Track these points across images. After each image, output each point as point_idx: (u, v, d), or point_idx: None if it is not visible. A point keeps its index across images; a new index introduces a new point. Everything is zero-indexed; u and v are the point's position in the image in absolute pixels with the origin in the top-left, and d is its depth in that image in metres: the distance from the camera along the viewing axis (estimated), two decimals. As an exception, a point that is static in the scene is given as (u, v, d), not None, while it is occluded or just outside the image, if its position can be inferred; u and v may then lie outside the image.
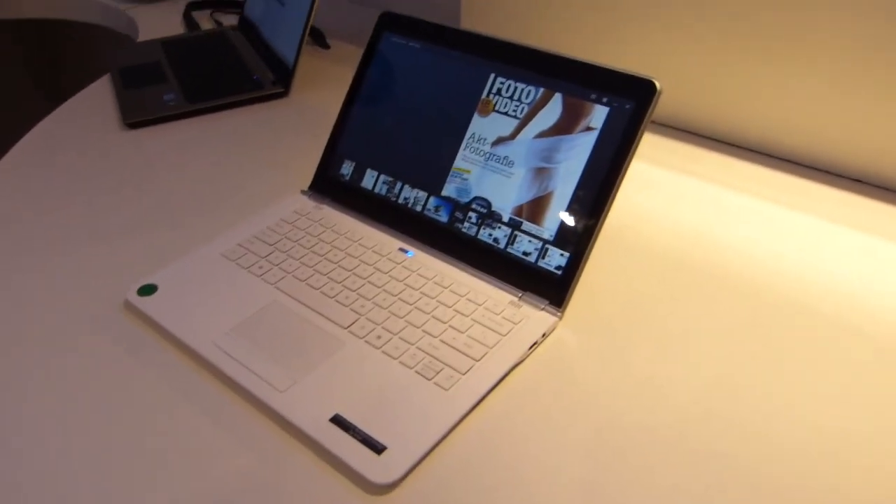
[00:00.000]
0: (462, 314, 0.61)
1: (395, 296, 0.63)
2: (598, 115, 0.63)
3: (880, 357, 0.58)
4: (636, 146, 0.61)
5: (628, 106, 0.62)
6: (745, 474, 0.49)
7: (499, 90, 0.68)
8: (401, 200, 0.72)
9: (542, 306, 0.62)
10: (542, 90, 0.66)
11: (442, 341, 0.59)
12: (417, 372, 0.56)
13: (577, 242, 0.62)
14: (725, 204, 0.78)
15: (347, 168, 0.76)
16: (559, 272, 0.62)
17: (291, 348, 0.58)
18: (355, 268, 0.67)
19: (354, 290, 0.64)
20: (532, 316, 0.61)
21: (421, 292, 0.64)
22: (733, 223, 0.75)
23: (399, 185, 0.72)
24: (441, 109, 0.71)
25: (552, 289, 0.62)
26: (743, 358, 0.59)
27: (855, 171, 0.81)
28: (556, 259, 0.63)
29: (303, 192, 0.78)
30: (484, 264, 0.66)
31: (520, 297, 0.63)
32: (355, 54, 1.15)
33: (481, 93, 0.69)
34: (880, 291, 0.65)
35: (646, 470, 0.50)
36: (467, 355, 0.57)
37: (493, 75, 0.69)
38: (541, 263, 0.63)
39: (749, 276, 0.67)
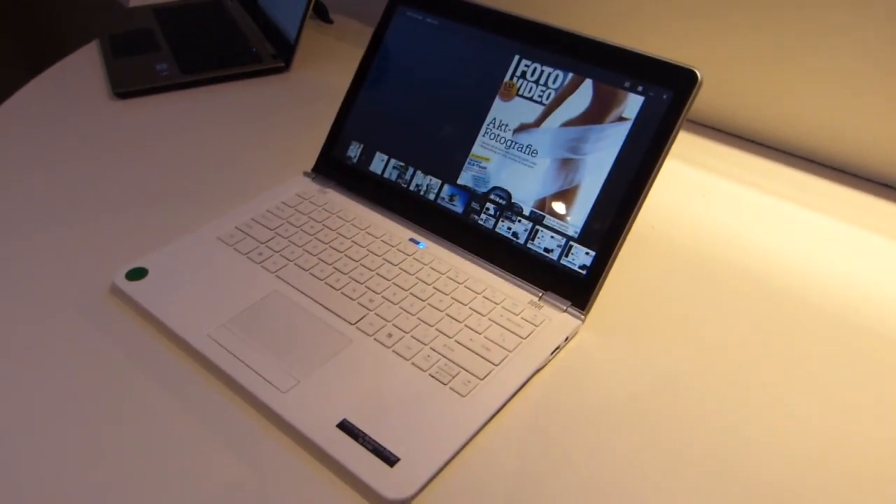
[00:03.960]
0: (479, 313, 0.57)
1: (407, 290, 0.59)
2: (633, 104, 0.58)
3: (923, 375, 0.55)
4: (673, 139, 0.57)
5: (665, 96, 0.57)
6: (773, 480, 0.46)
7: (523, 73, 0.63)
8: (412, 188, 0.67)
9: (565, 308, 0.58)
10: (571, 75, 0.61)
11: (458, 342, 0.54)
12: (432, 375, 0.51)
13: (605, 241, 0.58)
14: (755, 205, 0.74)
15: (355, 150, 0.71)
16: (584, 272, 0.58)
17: (294, 344, 0.53)
18: (363, 258, 0.62)
19: (362, 283, 0.59)
20: (554, 318, 0.57)
21: (434, 287, 0.59)
22: (763, 225, 0.71)
23: (411, 170, 0.67)
24: (459, 92, 0.66)
25: (576, 289, 0.58)
26: (773, 364, 0.55)
27: (884, 175, 0.77)
28: (580, 258, 0.58)
29: (305, 173, 0.73)
30: (502, 260, 0.62)
31: (540, 297, 0.59)
32: (359, 31, 1.09)
33: (504, 75, 0.64)
34: (918, 304, 0.62)
35: (677, 481, 0.46)
36: (486, 359, 0.53)
37: (517, 57, 0.64)
38: (564, 262, 0.59)
39: (778, 279, 0.64)
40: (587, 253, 0.58)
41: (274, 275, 0.60)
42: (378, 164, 0.69)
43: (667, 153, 0.57)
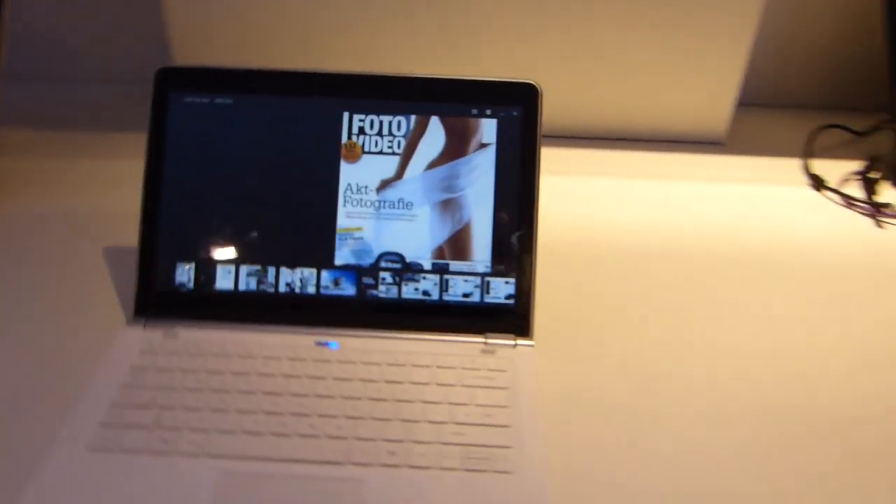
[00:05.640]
0: (449, 385, 0.53)
1: (359, 399, 0.51)
2: (488, 128, 0.59)
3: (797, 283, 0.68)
4: (540, 149, 0.59)
5: (515, 113, 0.59)
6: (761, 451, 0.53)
7: (361, 129, 0.59)
8: (283, 289, 0.58)
9: (514, 343, 0.57)
10: (413, 118, 0.59)
11: (459, 424, 0.50)
12: (468, 470, 0.46)
13: (519, 264, 0.58)
14: (615, 191, 0.81)
15: (186, 274, 0.58)
16: (512, 301, 0.57)
17: (304, 520, 0.43)
18: (285, 388, 0.52)
19: (309, 415, 0.50)
20: (512, 356, 0.56)
21: (385, 382, 0.53)
22: (628, 206, 0.78)
23: (271, 271, 0.58)
24: (294, 168, 0.59)
25: (512, 321, 0.57)
26: (703, 321, 0.62)
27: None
28: (502, 289, 0.58)
29: (130, 322, 0.58)
30: (425, 324, 0.57)
31: (485, 343, 0.56)
32: (28, 139, 0.87)
33: (339, 137, 0.59)
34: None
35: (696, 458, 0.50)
36: (498, 425, 0.49)
37: (346, 114, 0.59)
38: (488, 300, 0.58)
39: (678, 249, 0.71)
40: (506, 282, 0.58)
41: (202, 458, 0.47)
42: (226, 278, 0.58)
43: (539, 162, 0.59)
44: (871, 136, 0.94)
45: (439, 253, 0.58)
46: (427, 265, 0.58)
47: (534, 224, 0.58)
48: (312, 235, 0.58)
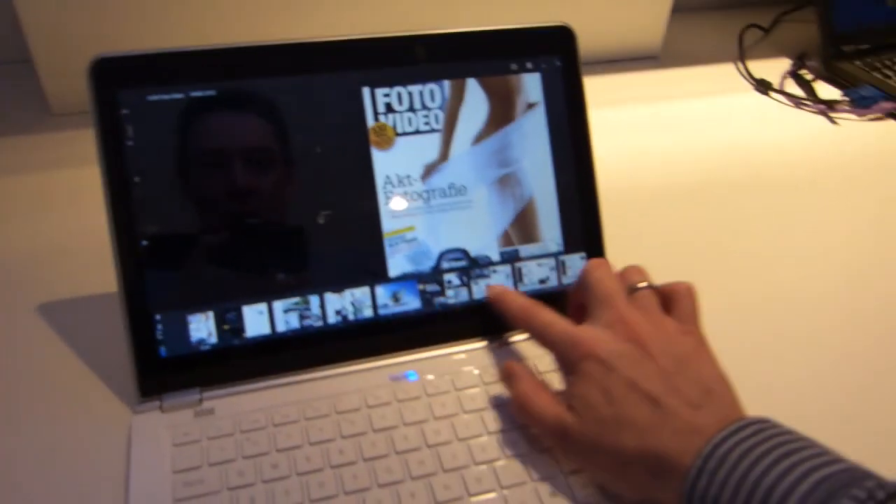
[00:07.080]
0: (570, 393, 0.46)
1: (480, 437, 0.43)
2: (532, 85, 0.50)
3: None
4: (585, 100, 0.51)
5: (558, 63, 0.51)
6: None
7: (388, 106, 0.47)
8: (333, 320, 0.46)
9: (605, 323, 0.50)
10: (447, 83, 0.48)
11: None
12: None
13: (589, 235, 0.51)
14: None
15: (203, 326, 0.44)
16: (592, 278, 0.51)
17: None
18: (388, 446, 0.42)
19: (434, 473, 0.41)
20: (611, 340, 0.50)
21: (498, 407, 0.45)
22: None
23: (315, 301, 0.46)
24: (315, 166, 0.46)
25: (597, 299, 0.51)
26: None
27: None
28: (577, 265, 0.51)
29: (137, 408, 0.43)
30: (507, 324, 0.49)
31: (577, 331, 0.50)
32: None
33: (364, 120, 0.47)
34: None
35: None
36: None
37: (367, 90, 0.47)
38: (566, 281, 0.51)
39: (678, 178, 0.69)
40: (581, 258, 0.51)
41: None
42: (257, 321, 0.45)
43: (588, 115, 0.51)
44: (777, 29, 0.97)
45: (506, 239, 0.49)
46: (495, 256, 0.49)
47: (595, 186, 0.51)
48: (355, 247, 0.47)
